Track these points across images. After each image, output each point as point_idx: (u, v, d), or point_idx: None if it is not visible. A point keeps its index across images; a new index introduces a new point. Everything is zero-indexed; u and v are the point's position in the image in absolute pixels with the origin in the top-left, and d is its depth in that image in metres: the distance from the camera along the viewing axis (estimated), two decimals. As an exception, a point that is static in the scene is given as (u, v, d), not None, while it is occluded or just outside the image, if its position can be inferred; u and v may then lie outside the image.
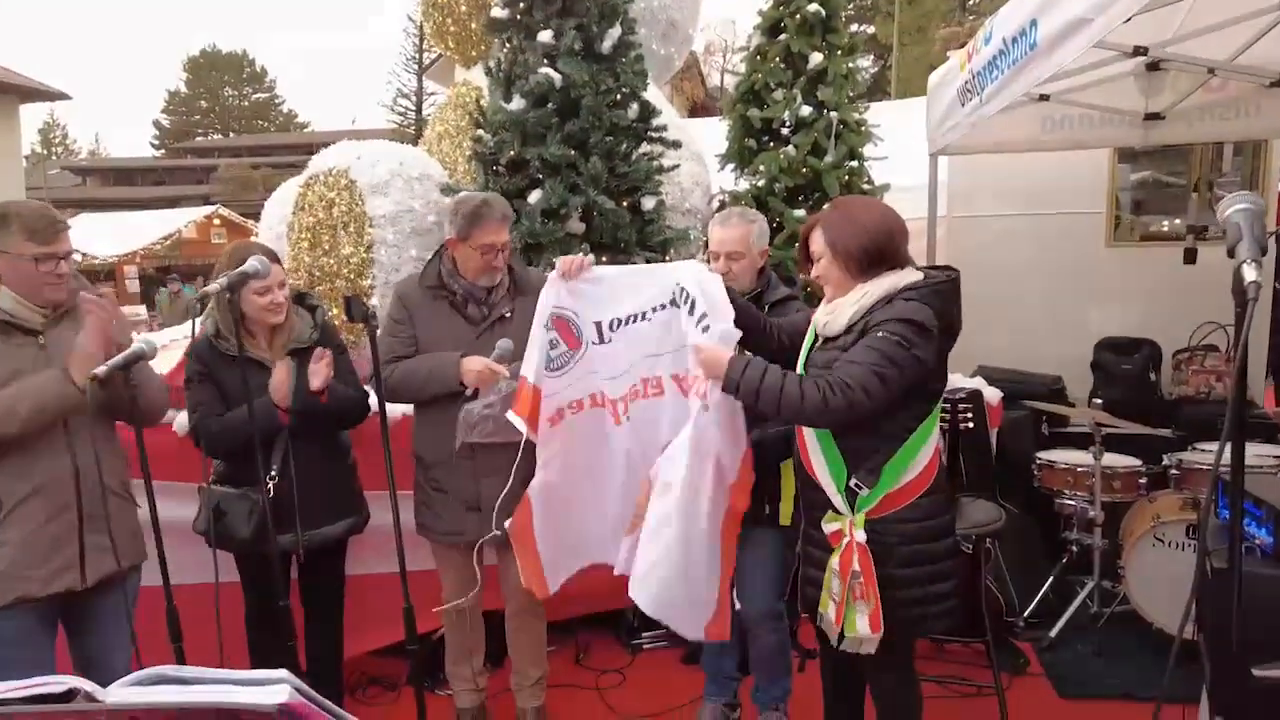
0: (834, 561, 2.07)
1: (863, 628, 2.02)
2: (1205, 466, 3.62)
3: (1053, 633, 3.55)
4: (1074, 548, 3.80)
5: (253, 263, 2.14)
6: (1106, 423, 3.63)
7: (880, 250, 2.06)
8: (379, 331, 2.37)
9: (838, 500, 2.07)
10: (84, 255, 18.12)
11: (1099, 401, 3.90)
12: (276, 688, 1.09)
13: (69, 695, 1.08)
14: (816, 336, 2.20)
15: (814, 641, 3.37)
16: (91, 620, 2.24)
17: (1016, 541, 3.78)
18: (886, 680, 2.24)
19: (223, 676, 1.13)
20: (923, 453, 2.06)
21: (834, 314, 2.11)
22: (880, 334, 1.96)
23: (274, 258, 2.50)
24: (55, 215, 2.15)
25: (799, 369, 2.18)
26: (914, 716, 2.25)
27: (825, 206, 2.30)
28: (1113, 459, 3.79)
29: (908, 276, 2.05)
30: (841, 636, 2.08)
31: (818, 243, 2.15)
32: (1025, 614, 3.68)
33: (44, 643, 2.15)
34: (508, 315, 2.69)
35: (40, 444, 2.08)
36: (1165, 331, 4.99)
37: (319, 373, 2.46)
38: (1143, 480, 3.79)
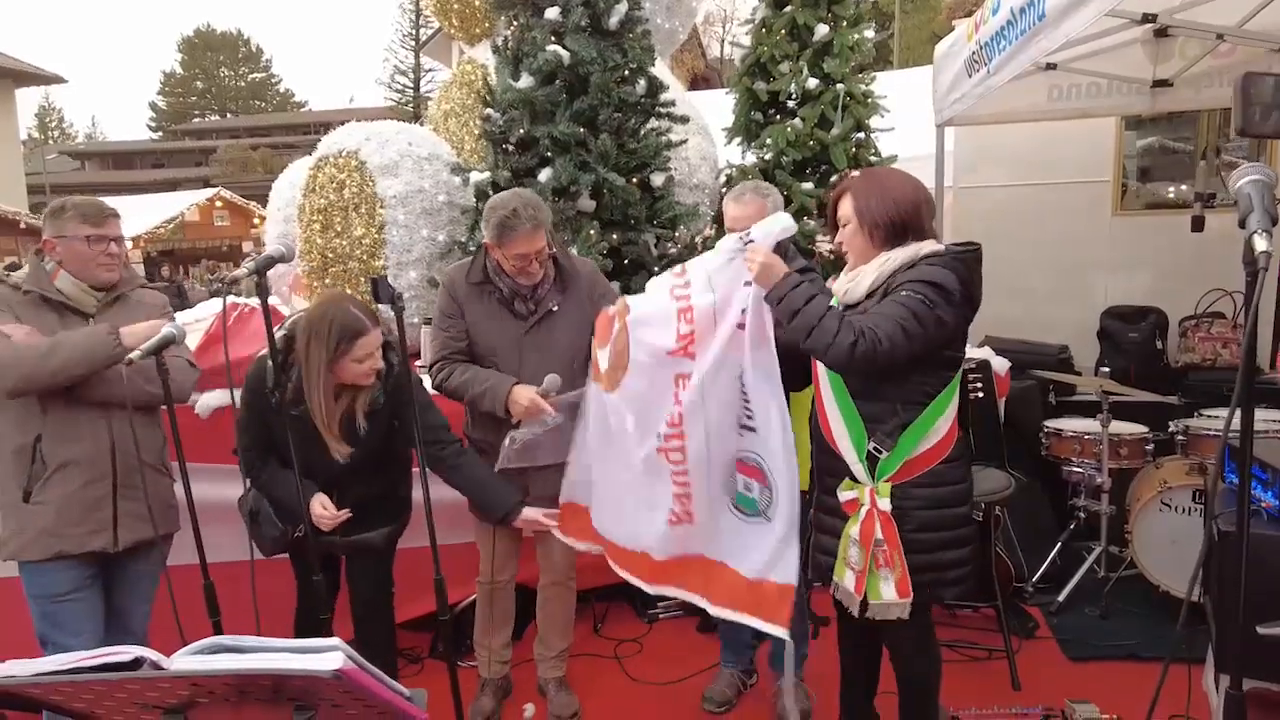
0: (852, 530, 2.09)
1: (889, 594, 2.03)
2: (1212, 433, 3.66)
3: (1061, 597, 3.61)
4: (1081, 514, 3.85)
5: (278, 247, 2.17)
6: (1113, 390, 3.67)
7: (906, 222, 2.06)
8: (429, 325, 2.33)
9: (858, 468, 2.09)
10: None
11: (1106, 370, 3.94)
12: (330, 655, 1.15)
13: (136, 664, 1.14)
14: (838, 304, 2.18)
15: (827, 609, 3.47)
16: (121, 581, 2.45)
17: (1025, 509, 3.83)
18: (907, 647, 2.25)
19: (278, 645, 1.18)
20: (942, 420, 2.07)
21: (855, 281, 2.11)
22: (904, 293, 1.97)
23: (374, 319, 2.35)
24: (106, 205, 2.39)
25: None
26: (934, 683, 2.28)
27: (854, 173, 2.28)
28: (1120, 426, 3.84)
29: (929, 246, 2.07)
30: (865, 605, 2.09)
31: (845, 209, 2.14)
32: (1034, 579, 3.75)
33: (93, 595, 2.36)
34: (554, 310, 2.69)
35: (82, 421, 2.28)
36: (1171, 299, 5.01)
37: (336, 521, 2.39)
38: (1149, 447, 3.84)
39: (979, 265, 2.08)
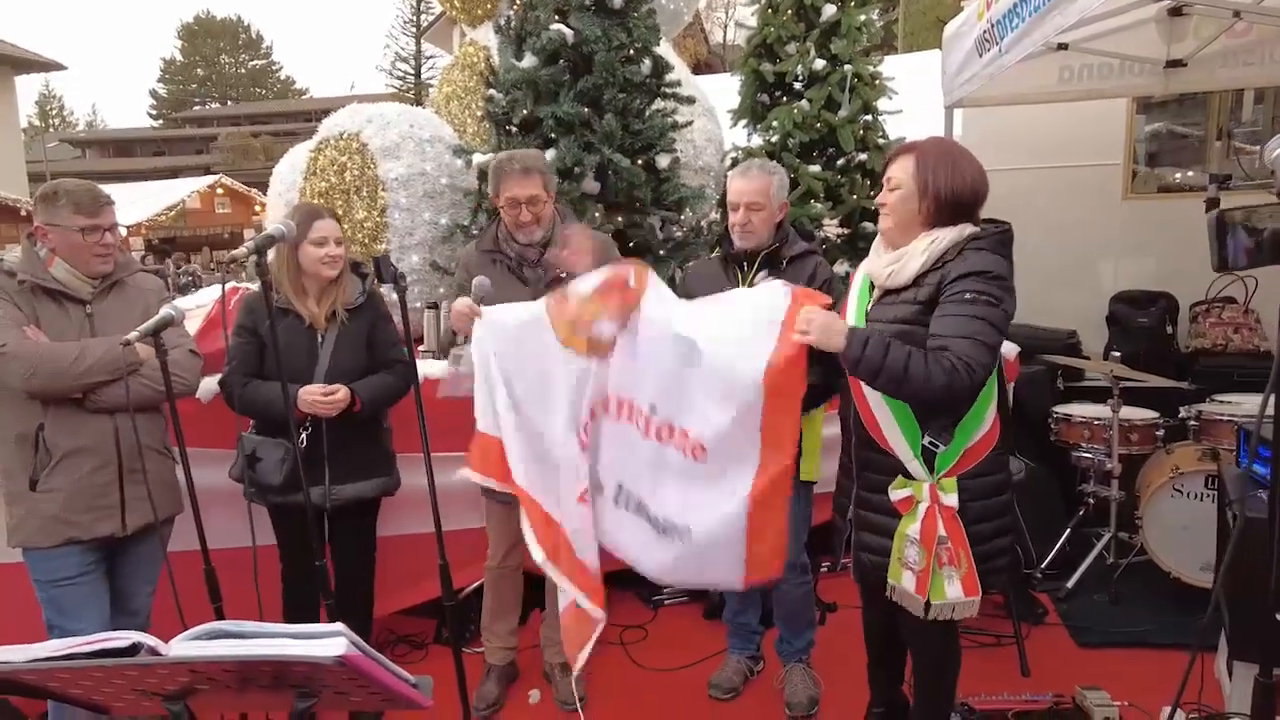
0: (910, 529, 1.97)
1: (955, 593, 1.93)
2: (1224, 418, 3.62)
3: (1070, 583, 3.59)
4: (1090, 500, 3.82)
5: (278, 226, 2.14)
6: (1124, 375, 3.63)
7: (965, 204, 1.95)
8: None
9: (914, 465, 1.97)
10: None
11: (1116, 354, 3.89)
12: (333, 641, 1.12)
13: (133, 650, 1.11)
14: (871, 288, 2.08)
15: (833, 595, 3.45)
16: (125, 564, 2.45)
17: (1034, 495, 3.79)
18: (931, 637, 2.12)
19: (279, 631, 1.15)
20: (990, 408, 1.99)
21: (899, 263, 1.98)
22: (968, 295, 1.86)
23: (333, 215, 2.61)
24: (100, 192, 2.33)
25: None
26: (952, 674, 2.20)
27: (922, 139, 2.08)
28: (1130, 412, 3.79)
29: (970, 227, 1.96)
30: (928, 606, 1.97)
31: (903, 171, 1.99)
32: (1043, 565, 3.72)
33: (97, 580, 2.37)
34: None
35: (84, 410, 2.27)
36: (1182, 284, 4.95)
37: (335, 405, 2.47)
38: (1160, 432, 3.80)
39: (1011, 244, 2.00)
